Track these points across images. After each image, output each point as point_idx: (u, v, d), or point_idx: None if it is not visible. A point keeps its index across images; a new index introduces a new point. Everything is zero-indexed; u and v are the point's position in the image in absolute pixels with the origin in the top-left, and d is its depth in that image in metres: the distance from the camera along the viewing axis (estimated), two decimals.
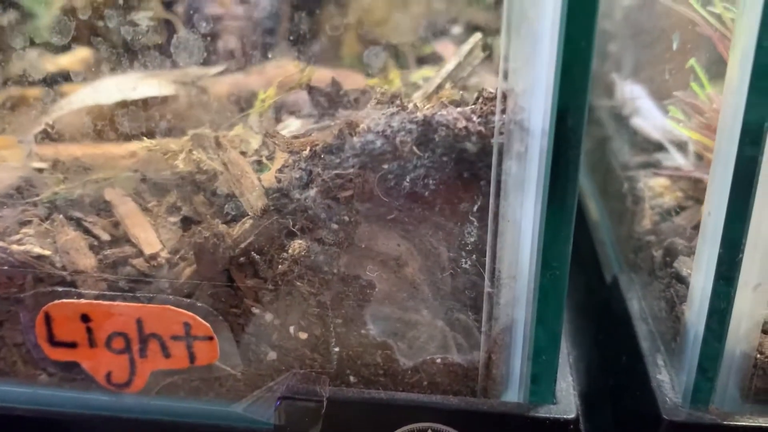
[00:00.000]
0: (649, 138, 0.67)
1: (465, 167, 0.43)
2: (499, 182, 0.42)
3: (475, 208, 0.44)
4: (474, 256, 0.45)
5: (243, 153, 0.51)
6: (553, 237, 0.42)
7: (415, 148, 0.43)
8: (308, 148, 0.45)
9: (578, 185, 0.41)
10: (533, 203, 0.42)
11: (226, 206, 0.48)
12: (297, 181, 0.45)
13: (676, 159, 0.64)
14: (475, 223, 0.44)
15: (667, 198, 0.60)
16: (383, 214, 0.45)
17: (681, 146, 0.65)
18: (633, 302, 0.57)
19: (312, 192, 0.45)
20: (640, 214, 0.61)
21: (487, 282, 0.45)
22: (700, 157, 0.62)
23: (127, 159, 0.53)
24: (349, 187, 0.44)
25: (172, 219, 0.50)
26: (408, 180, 0.43)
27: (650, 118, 0.68)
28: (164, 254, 0.48)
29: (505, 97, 0.41)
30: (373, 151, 0.43)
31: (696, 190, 0.60)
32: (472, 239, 0.44)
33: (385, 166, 0.43)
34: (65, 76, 0.53)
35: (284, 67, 0.58)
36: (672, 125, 0.59)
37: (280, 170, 0.46)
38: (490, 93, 0.43)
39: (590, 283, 0.68)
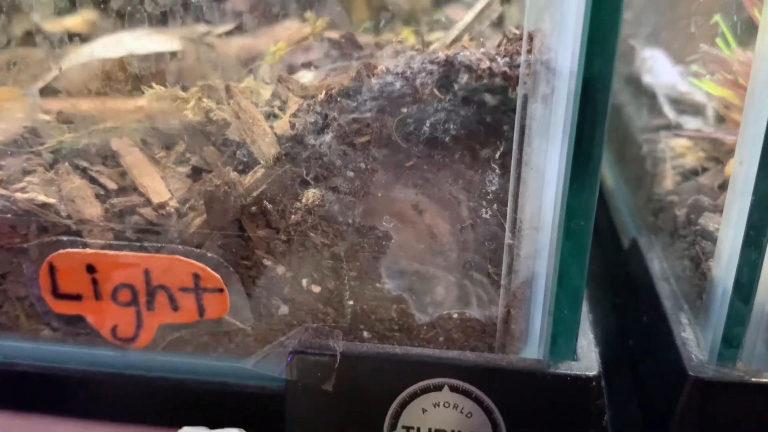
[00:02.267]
0: (668, 99, 0.65)
1: (488, 111, 0.41)
2: (523, 127, 0.40)
3: (498, 154, 0.42)
4: (495, 205, 0.43)
5: (254, 104, 0.50)
6: (578, 186, 0.40)
7: (435, 90, 0.41)
8: (323, 92, 0.44)
9: (606, 132, 0.39)
10: (558, 150, 0.40)
11: (238, 153, 0.46)
12: (311, 126, 0.43)
13: (695, 120, 0.63)
14: (497, 171, 0.42)
15: (689, 158, 0.58)
16: (401, 160, 0.43)
17: (699, 107, 0.63)
18: (654, 263, 0.55)
19: (327, 138, 0.43)
20: (661, 175, 0.59)
21: (507, 233, 0.43)
22: (721, 117, 0.60)
23: (134, 113, 0.52)
24: (366, 133, 0.43)
25: (181, 169, 0.48)
26: (428, 125, 0.42)
27: (669, 79, 0.67)
28: (173, 203, 0.46)
29: (531, 37, 0.39)
30: (392, 93, 0.41)
31: (718, 151, 0.58)
32: (493, 188, 0.43)
33: (404, 110, 0.42)
34: (71, 36, 0.52)
35: (293, 28, 0.57)
36: (695, 82, 0.58)
37: (294, 115, 0.44)
38: (515, 33, 0.41)
39: (606, 249, 0.67)
